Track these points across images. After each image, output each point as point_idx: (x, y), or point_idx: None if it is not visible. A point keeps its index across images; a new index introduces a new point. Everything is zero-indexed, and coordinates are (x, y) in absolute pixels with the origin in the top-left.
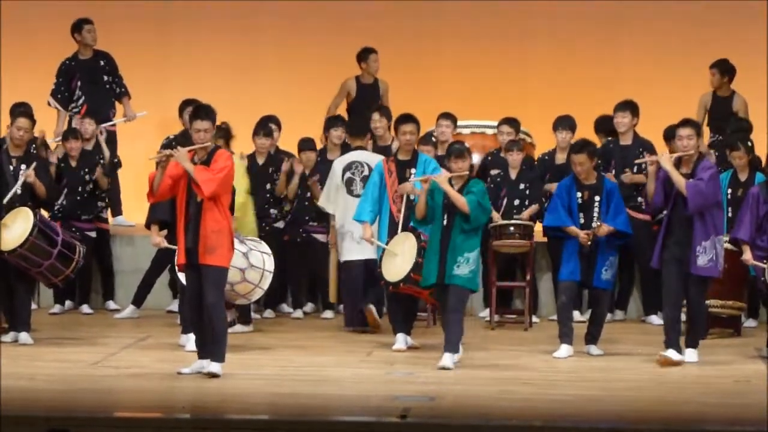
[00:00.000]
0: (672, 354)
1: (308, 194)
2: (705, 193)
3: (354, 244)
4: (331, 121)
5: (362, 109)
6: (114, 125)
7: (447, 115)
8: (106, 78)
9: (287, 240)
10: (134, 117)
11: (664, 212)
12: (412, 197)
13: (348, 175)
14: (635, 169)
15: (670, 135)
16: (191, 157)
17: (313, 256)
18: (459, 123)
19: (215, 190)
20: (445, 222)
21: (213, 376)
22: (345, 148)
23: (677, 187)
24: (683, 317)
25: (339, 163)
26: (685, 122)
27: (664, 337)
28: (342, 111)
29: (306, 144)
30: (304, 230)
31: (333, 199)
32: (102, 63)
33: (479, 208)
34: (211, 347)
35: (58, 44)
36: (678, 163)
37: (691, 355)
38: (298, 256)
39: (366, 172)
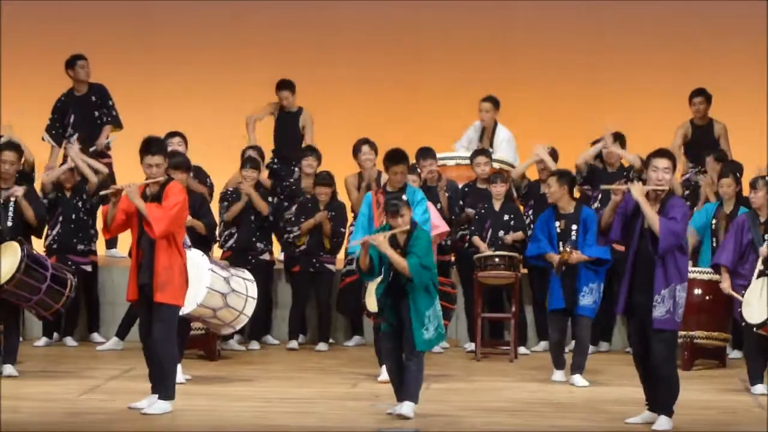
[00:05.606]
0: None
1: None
2: (678, 234)
3: None
4: (303, 152)
5: (280, 135)
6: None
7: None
8: (97, 113)
9: (297, 271)
10: (102, 145)
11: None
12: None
13: None
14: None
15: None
16: (142, 191)
17: (324, 284)
18: (444, 155)
19: (166, 229)
20: (391, 279)
21: (160, 412)
22: (318, 176)
23: (649, 223)
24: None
25: None
26: (663, 152)
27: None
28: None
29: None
30: (317, 260)
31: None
32: (94, 98)
33: (422, 269)
34: (158, 385)
35: (50, 78)
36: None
37: (663, 423)
38: (309, 286)
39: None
